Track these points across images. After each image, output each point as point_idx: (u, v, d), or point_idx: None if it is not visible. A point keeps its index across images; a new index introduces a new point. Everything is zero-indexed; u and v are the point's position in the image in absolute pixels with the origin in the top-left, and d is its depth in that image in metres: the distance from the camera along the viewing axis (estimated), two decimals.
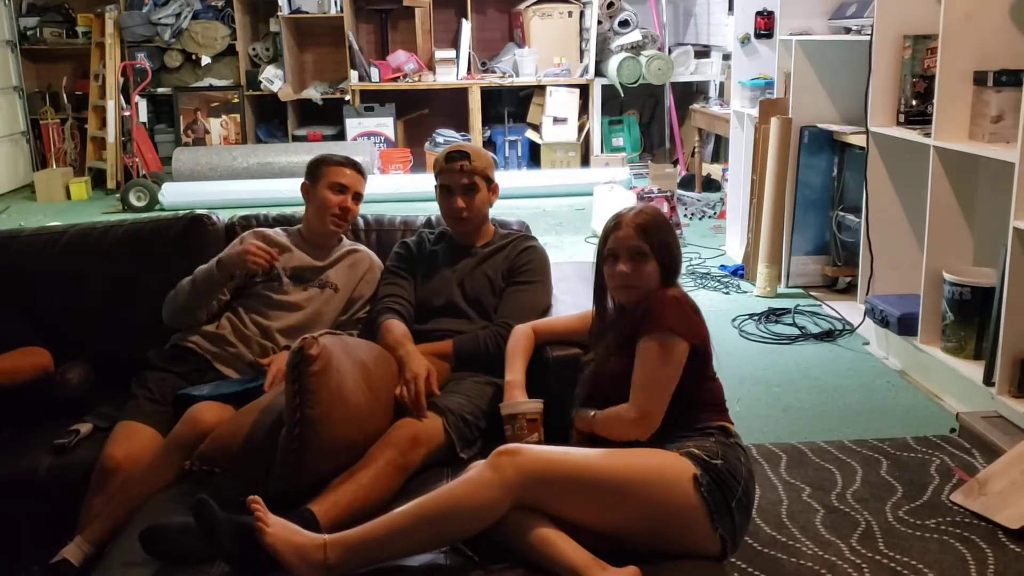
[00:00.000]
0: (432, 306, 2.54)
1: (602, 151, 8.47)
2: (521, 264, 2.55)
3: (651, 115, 9.04)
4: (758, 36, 5.63)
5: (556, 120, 8.33)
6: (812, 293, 4.89)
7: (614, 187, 6.21)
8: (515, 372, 2.22)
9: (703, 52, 8.51)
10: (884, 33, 3.87)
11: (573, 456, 1.83)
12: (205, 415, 2.20)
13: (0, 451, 2.31)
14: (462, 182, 2.53)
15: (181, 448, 2.15)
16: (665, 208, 6.14)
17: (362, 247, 2.73)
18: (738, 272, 5.27)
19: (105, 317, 2.68)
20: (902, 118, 3.89)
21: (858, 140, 4.46)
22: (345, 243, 2.73)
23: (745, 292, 4.99)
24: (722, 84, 8.09)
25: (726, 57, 7.99)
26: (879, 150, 4.03)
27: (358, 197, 2.68)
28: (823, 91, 4.77)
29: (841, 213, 4.77)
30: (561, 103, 8.32)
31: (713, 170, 7.73)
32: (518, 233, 2.68)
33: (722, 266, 5.43)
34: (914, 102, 3.83)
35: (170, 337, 2.59)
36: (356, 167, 2.70)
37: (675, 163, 8.41)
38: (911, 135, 3.71)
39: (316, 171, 2.68)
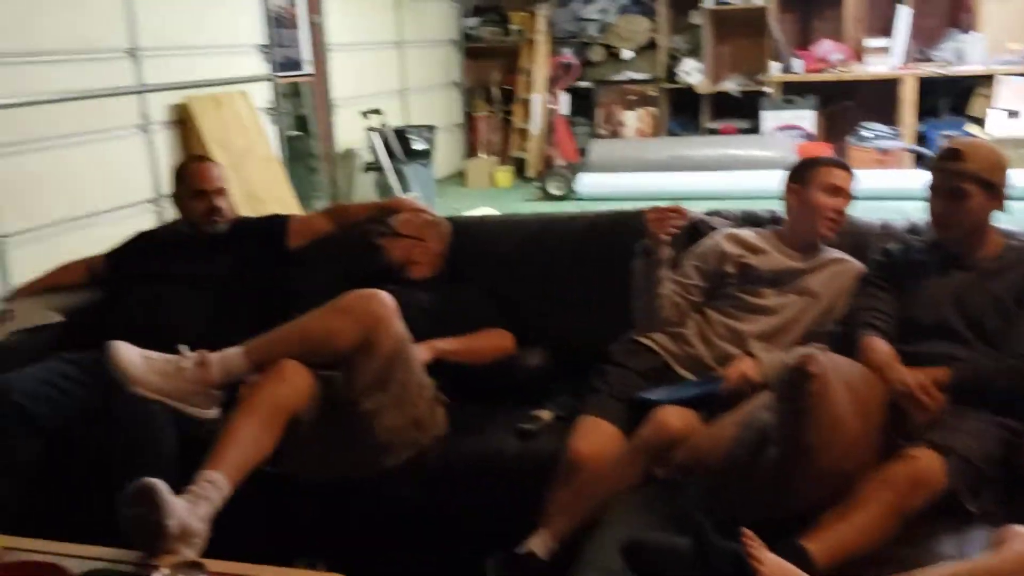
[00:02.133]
0: (920, 325, 2.23)
1: None
2: None
3: None
4: None
5: (1009, 114, 7.34)
6: None
7: None
8: None
9: None
10: None
11: None
12: (673, 420, 2.10)
13: (470, 429, 2.39)
14: (948, 184, 2.19)
15: (647, 451, 2.08)
16: None
17: (848, 258, 2.48)
18: None
19: (563, 305, 2.69)
20: None
21: None
22: (828, 250, 2.50)
23: None
24: None
25: None
26: None
27: (849, 198, 2.49)
28: None
29: None
30: (1015, 94, 7.32)
31: None
32: None
33: None
34: None
35: (627, 331, 2.53)
36: (848, 168, 2.52)
37: None
38: None
39: (806, 173, 2.53)
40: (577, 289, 2.68)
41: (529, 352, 2.58)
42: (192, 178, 2.87)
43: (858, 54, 7.93)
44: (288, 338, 2.20)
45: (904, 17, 7.69)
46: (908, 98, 7.61)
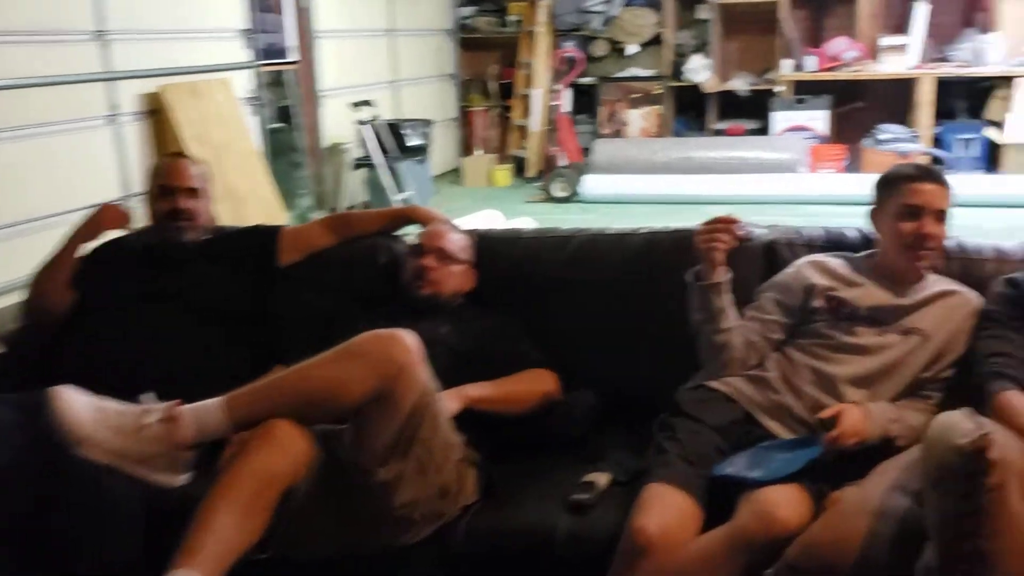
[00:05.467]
0: None
1: None
2: None
3: None
4: None
5: None
6: None
7: None
8: None
9: None
10: None
11: None
12: (784, 511, 1.64)
13: (507, 496, 1.94)
14: None
15: (748, 547, 1.63)
16: None
17: (962, 288, 2.05)
18: None
19: (616, 341, 2.25)
20: None
21: None
22: (935, 280, 2.07)
23: None
24: None
25: None
26: None
27: (941, 217, 2.01)
28: None
29: None
30: None
31: None
32: None
33: None
34: None
35: (696, 374, 2.10)
36: (937, 179, 2.02)
37: None
38: None
39: (881, 191, 2.08)
40: (633, 322, 2.24)
41: (576, 398, 2.13)
42: (161, 174, 2.42)
43: (873, 52, 7.55)
44: (283, 390, 1.75)
45: (921, 14, 7.32)
46: (925, 99, 7.24)
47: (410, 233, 2.48)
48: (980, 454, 1.29)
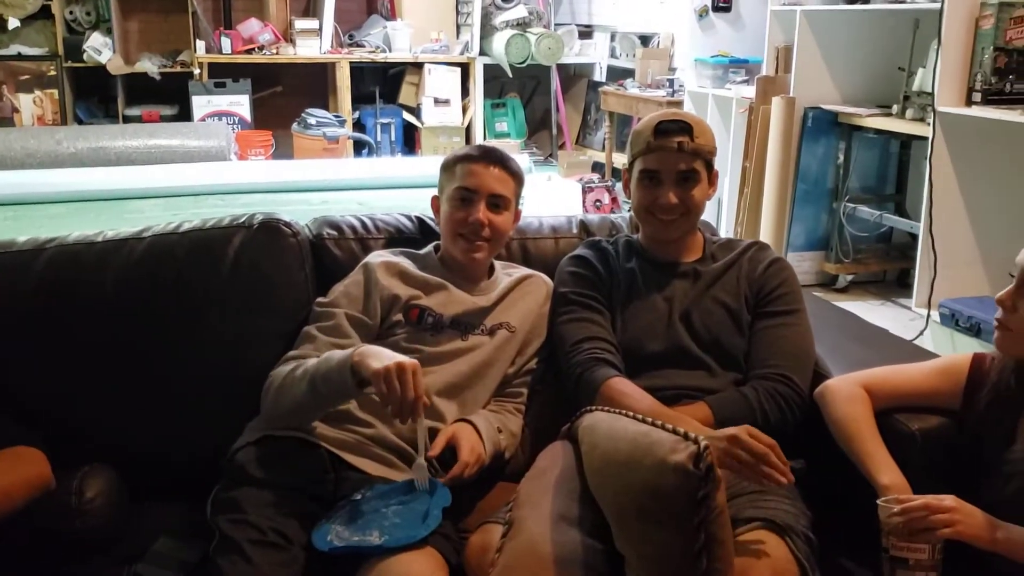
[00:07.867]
0: (646, 352, 1.73)
1: (485, 137, 7.68)
2: (774, 286, 1.78)
3: (529, 98, 8.34)
4: (716, 9, 5.14)
5: (437, 101, 7.46)
6: (813, 293, 4.42)
7: (552, 177, 5.49)
8: (892, 469, 1.44)
9: (585, 32, 7.93)
10: (958, 1, 3.39)
11: None
12: None
13: None
14: (679, 167, 1.72)
15: None
16: (607, 199, 5.51)
17: (528, 270, 1.86)
18: None
19: (126, 388, 1.63)
20: (977, 97, 3.43)
21: (874, 123, 4.09)
22: (505, 266, 1.86)
23: None
24: (610, 67, 7.55)
25: (612, 38, 7.51)
26: (947, 134, 3.55)
27: (500, 203, 1.76)
28: (825, 68, 4.31)
29: (851, 204, 4.31)
30: (442, 83, 7.46)
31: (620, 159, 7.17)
32: (747, 241, 1.90)
33: None
34: (994, 79, 3.37)
35: (250, 422, 1.60)
36: (495, 160, 1.77)
37: (561, 148, 7.80)
38: (1006, 115, 3.25)
39: (443, 175, 1.82)
40: (152, 360, 1.64)
41: (87, 478, 1.49)
42: None
43: (288, 36, 7.39)
44: None
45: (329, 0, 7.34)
46: (343, 84, 7.30)
47: None
48: (710, 471, 1.06)
